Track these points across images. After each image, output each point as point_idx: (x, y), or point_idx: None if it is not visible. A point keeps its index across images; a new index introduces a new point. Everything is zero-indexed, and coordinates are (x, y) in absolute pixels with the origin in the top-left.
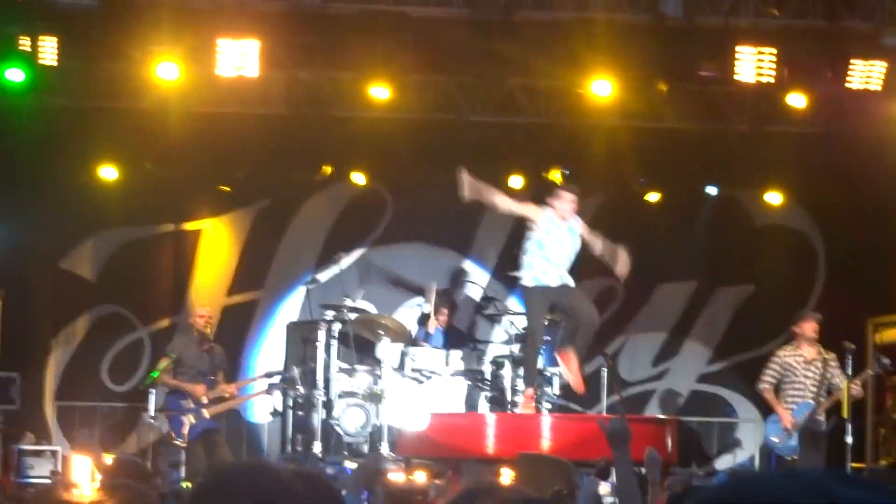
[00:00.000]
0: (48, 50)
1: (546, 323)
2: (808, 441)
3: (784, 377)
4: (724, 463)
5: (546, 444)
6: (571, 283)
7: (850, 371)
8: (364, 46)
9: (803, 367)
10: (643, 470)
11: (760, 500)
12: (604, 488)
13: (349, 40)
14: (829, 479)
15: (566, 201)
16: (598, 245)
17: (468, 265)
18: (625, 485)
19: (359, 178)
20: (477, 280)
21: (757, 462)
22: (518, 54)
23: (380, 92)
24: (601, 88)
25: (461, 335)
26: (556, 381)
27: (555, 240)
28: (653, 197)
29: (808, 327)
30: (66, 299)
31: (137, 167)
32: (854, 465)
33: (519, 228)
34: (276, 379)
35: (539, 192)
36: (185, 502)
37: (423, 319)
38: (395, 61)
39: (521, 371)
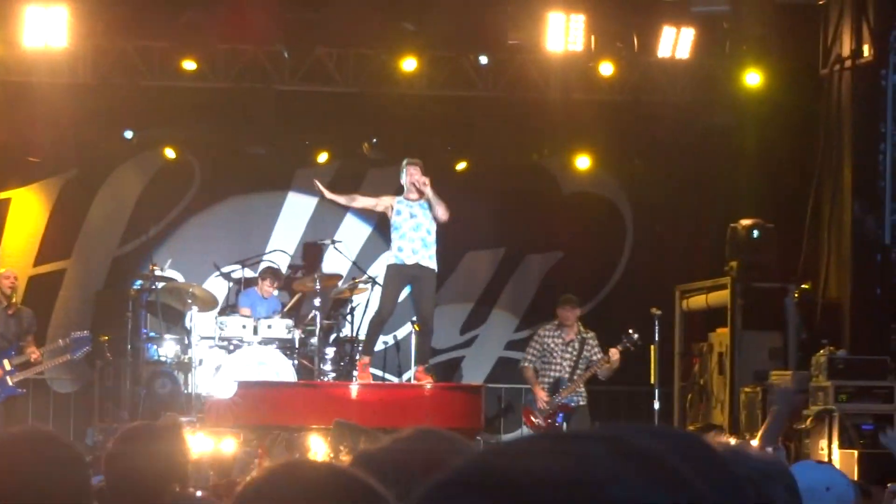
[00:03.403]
0: None
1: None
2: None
3: (542, 357)
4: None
5: (352, 411)
6: (428, 263)
7: (657, 337)
8: (171, 16)
9: (561, 348)
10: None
11: (505, 470)
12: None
13: (157, 10)
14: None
15: (409, 176)
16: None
17: (279, 233)
18: None
19: (168, 151)
20: (286, 248)
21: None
22: (326, 23)
23: (188, 63)
24: (408, 64)
25: (277, 304)
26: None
27: (404, 219)
28: (461, 165)
29: (565, 314)
30: None
31: None
32: None
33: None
34: (83, 343)
35: (346, 165)
36: None
37: (252, 282)
38: (203, 30)
39: (330, 339)
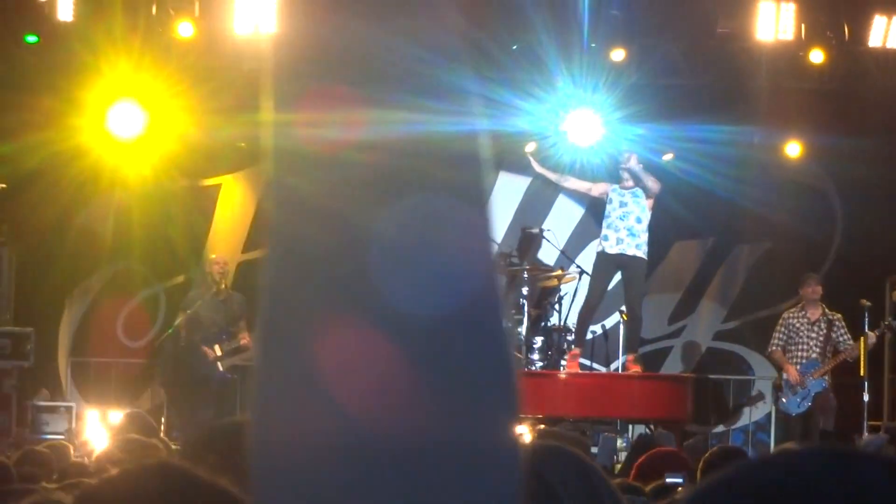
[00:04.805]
0: (65, 7)
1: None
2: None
3: (790, 339)
4: (740, 420)
5: (559, 400)
6: (634, 252)
7: (867, 329)
8: None
9: (807, 328)
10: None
11: (777, 482)
12: (619, 443)
13: None
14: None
15: (625, 163)
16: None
17: None
18: None
19: None
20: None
21: (773, 419)
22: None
23: None
24: (616, 55)
25: None
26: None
27: (613, 208)
28: (667, 156)
29: (809, 290)
30: (82, 255)
31: (156, 123)
32: (871, 422)
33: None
34: None
35: (555, 152)
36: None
37: None
38: None
39: (538, 328)
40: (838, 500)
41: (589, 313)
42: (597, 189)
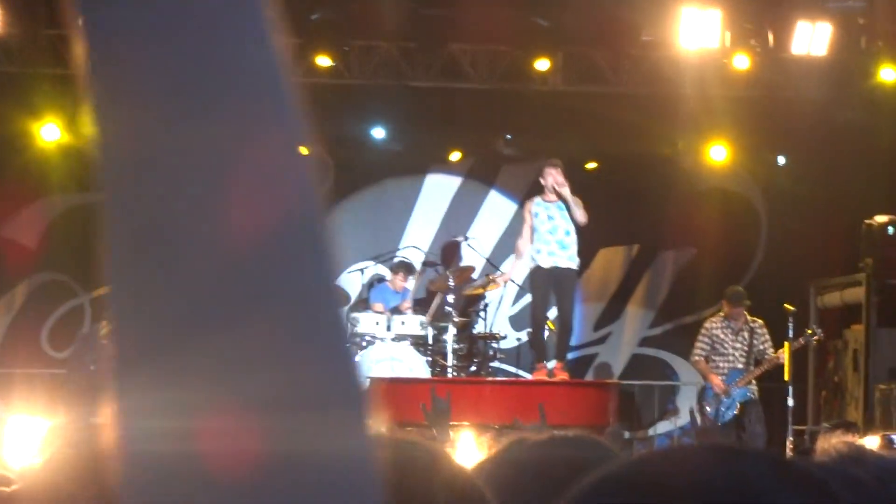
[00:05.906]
0: None
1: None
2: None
3: (714, 349)
4: (664, 427)
5: (484, 407)
6: (567, 264)
7: (791, 334)
8: (304, 13)
9: (732, 338)
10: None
11: (664, 476)
12: None
13: (289, 7)
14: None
15: (548, 176)
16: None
17: (412, 229)
18: None
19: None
20: (420, 245)
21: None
22: (460, 19)
23: (322, 60)
24: (541, 64)
25: (409, 296)
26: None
27: (541, 221)
28: (592, 164)
29: (737, 310)
30: (6, 266)
31: (79, 133)
32: (796, 427)
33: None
34: None
35: (479, 162)
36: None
37: (380, 279)
38: (336, 27)
39: (463, 336)
40: (723, 494)
41: (540, 329)
42: (528, 221)
